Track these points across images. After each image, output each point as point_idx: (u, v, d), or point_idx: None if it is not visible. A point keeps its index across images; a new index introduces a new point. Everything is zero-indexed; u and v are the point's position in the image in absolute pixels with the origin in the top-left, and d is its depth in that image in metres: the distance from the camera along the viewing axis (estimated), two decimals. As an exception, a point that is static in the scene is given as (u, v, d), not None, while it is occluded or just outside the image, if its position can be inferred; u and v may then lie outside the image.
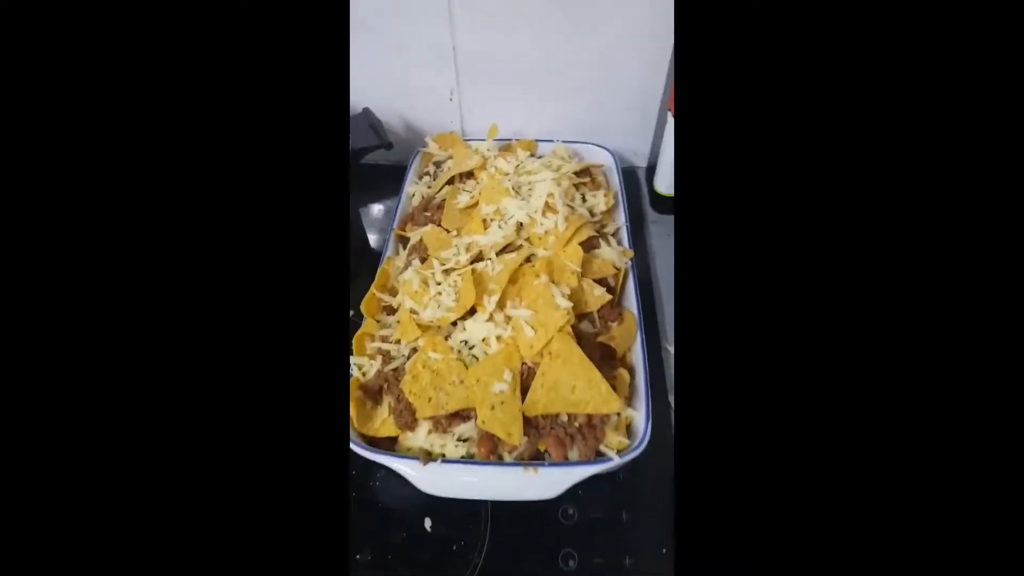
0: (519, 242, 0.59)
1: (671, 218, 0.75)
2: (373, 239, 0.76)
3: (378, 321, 0.56)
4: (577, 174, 0.68)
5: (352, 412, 0.49)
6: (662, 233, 0.74)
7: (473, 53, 0.72)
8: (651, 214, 0.76)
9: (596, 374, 0.48)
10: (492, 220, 0.60)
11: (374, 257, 0.70)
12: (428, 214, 0.64)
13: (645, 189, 0.79)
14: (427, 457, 0.47)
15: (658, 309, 0.65)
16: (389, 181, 0.74)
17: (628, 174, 0.77)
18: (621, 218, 0.65)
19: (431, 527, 0.50)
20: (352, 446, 0.47)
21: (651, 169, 0.80)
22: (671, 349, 0.60)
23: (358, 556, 0.48)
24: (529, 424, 0.48)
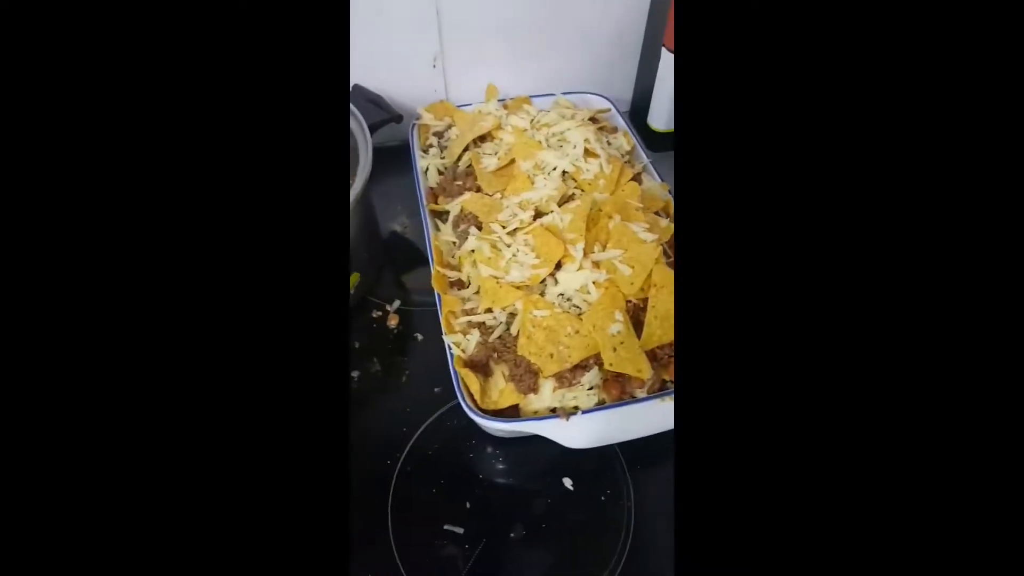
0: (570, 192, 0.58)
1: (669, 155, 0.78)
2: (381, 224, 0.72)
3: (452, 297, 0.53)
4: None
5: (473, 389, 0.46)
6: (666, 172, 0.76)
7: (457, 15, 0.69)
8: (649, 155, 0.78)
9: (701, 296, 0.49)
10: (534, 175, 0.59)
11: (389, 245, 0.66)
12: (459, 183, 0.61)
13: (634, 133, 0.81)
14: (566, 413, 0.45)
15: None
16: (384, 162, 0.70)
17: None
18: (643, 156, 0.67)
19: (573, 486, 0.49)
20: (486, 422, 0.45)
21: (635, 113, 0.82)
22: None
23: (512, 534, 0.46)
24: (649, 357, 0.48)
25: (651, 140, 0.78)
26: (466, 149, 0.65)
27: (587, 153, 0.59)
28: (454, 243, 0.57)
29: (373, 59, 0.70)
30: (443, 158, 0.66)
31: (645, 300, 0.49)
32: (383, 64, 0.71)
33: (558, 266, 0.52)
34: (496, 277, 0.51)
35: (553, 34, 0.74)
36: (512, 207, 0.56)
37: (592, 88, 0.78)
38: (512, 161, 0.61)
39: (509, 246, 0.53)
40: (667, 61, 0.69)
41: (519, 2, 0.69)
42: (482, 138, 0.66)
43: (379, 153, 0.62)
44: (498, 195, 0.59)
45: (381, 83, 0.72)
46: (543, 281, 0.51)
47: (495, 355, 0.49)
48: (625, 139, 0.66)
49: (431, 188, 0.64)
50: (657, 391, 0.48)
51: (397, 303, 0.62)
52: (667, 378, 0.49)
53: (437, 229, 0.60)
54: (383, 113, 0.62)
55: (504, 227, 0.54)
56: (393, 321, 0.60)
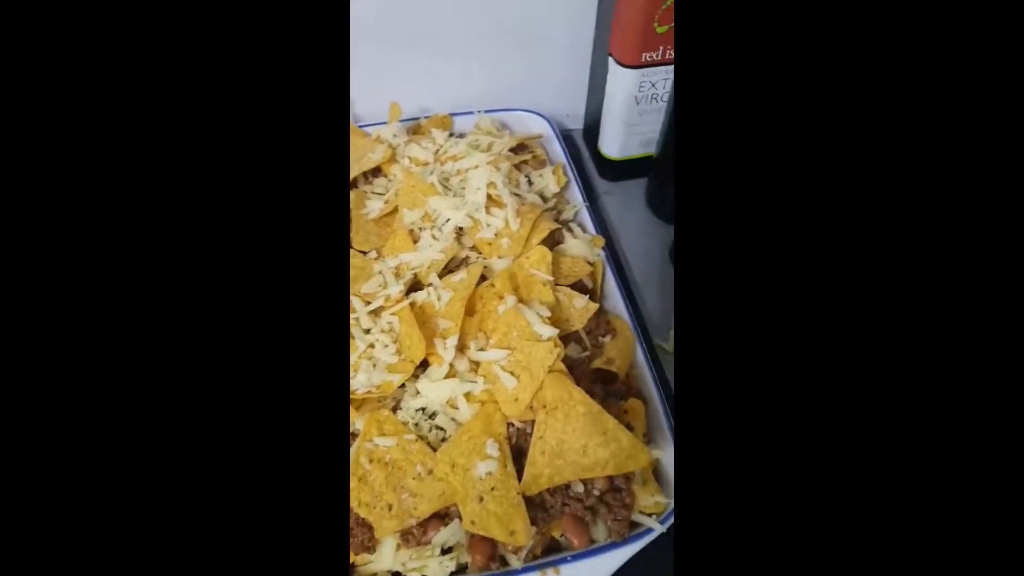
0: (463, 253, 0.44)
1: (627, 185, 0.63)
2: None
3: (291, 398, 0.40)
4: (513, 151, 0.54)
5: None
6: (618, 205, 0.62)
7: (352, 15, 0.55)
8: (600, 184, 0.64)
9: (611, 421, 0.35)
10: (421, 229, 0.45)
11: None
12: (332, 234, 0.48)
13: (587, 155, 0.66)
14: (402, 592, 0.32)
15: (638, 300, 0.53)
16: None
17: (564, 140, 0.63)
18: (578, 197, 0.53)
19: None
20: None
21: (590, 131, 0.67)
22: (668, 347, 0.49)
23: None
24: (532, 505, 0.35)
25: (605, 167, 0.64)
26: (353, 186, 0.52)
27: (491, 201, 0.45)
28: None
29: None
30: (327, 196, 0.53)
31: (533, 423, 0.36)
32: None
33: (425, 364, 0.39)
34: (341, 379, 0.38)
35: (483, 37, 0.60)
36: (386, 272, 0.43)
37: (538, 102, 0.64)
38: (395, 209, 0.47)
39: (368, 332, 0.40)
40: (617, 75, 0.54)
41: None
42: (377, 172, 0.53)
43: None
44: (374, 254, 0.46)
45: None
46: (403, 386, 0.38)
47: (323, 495, 0.36)
48: (555, 176, 0.52)
49: (309, 234, 0.51)
50: (541, 556, 0.34)
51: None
52: (558, 535, 0.35)
53: (300, 294, 0.47)
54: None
55: (367, 303, 0.41)
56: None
